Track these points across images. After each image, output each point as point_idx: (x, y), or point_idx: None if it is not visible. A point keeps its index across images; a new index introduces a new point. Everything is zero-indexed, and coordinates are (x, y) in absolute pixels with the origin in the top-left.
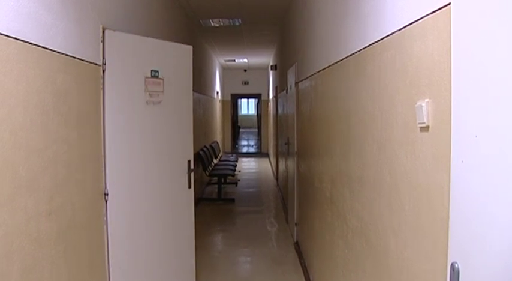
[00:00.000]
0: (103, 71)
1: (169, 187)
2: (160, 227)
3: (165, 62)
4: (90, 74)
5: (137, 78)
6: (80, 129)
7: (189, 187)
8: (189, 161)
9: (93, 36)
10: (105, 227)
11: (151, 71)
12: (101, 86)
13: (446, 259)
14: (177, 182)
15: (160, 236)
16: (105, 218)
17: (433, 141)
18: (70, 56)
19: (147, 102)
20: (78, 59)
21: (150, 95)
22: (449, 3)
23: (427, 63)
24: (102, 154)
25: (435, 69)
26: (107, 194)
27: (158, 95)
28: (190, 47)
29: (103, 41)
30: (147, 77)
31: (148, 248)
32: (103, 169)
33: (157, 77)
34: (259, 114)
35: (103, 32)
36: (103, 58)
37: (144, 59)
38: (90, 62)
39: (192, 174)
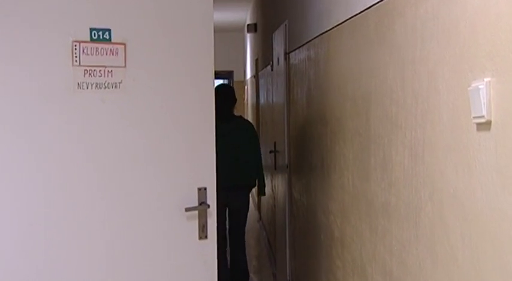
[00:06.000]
0: None
1: (143, 236)
2: None
3: (133, 14)
4: None
5: (45, 44)
6: None
7: (202, 236)
8: (203, 190)
9: None
10: None
11: (92, 30)
12: None
13: None
14: (171, 229)
15: None
16: None
17: (499, 145)
18: None
19: (78, 85)
20: None
21: (88, 72)
22: None
23: (488, 18)
24: None
25: (501, 29)
26: None
27: (111, 71)
28: None
29: None
30: (78, 41)
31: None
32: None
33: (107, 40)
34: None
35: None
36: None
37: (70, 8)
38: None
39: (211, 213)
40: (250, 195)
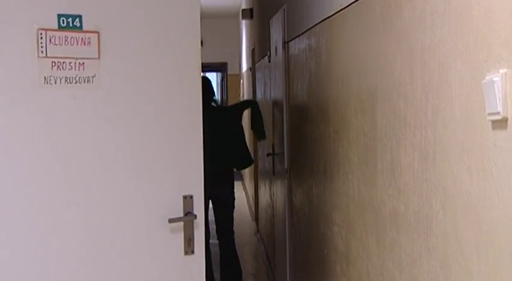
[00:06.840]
0: None
1: (120, 252)
2: None
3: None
4: None
5: (6, 32)
6: None
7: (188, 251)
8: (189, 199)
9: None
10: None
11: (60, 17)
12: None
13: None
14: (153, 243)
15: None
16: None
17: None
18: None
19: (45, 80)
20: None
21: (56, 65)
22: None
23: (504, 1)
24: None
25: None
26: None
27: (82, 64)
28: None
29: None
30: (44, 29)
31: None
32: None
33: (78, 28)
34: (224, 101)
35: None
36: None
37: None
38: None
39: (198, 225)
40: (234, 189)
